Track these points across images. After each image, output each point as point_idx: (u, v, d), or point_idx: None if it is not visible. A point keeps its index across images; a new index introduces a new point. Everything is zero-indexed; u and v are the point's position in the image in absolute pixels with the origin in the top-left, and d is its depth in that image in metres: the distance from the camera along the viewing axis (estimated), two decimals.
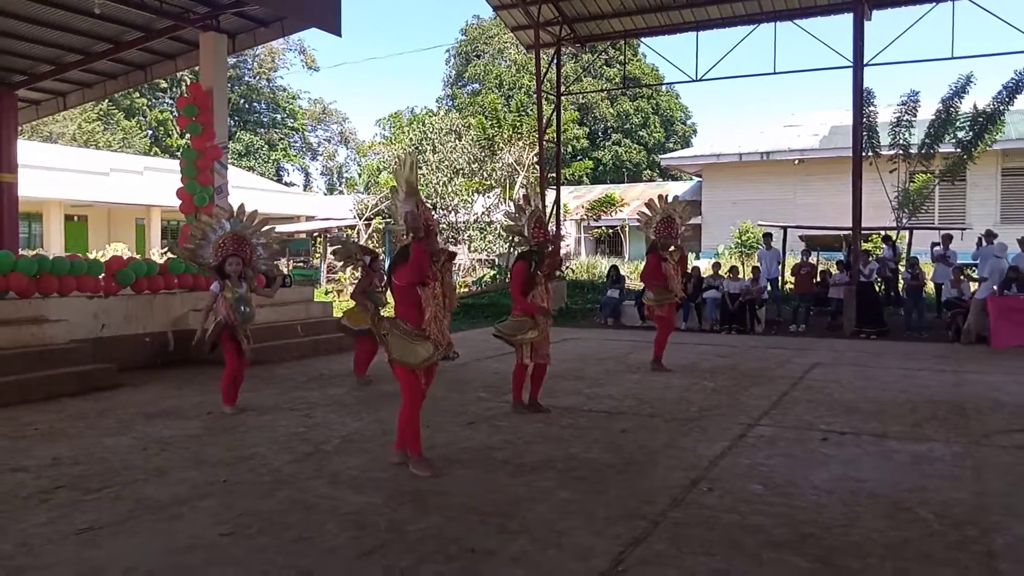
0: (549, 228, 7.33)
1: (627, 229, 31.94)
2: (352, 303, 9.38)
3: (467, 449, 5.91)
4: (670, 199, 10.00)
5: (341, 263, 10.63)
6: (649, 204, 9.90)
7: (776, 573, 3.61)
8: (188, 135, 12.62)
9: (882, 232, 18.69)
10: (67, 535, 4.14)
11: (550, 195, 19.50)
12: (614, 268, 17.57)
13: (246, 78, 53.73)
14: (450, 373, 9.60)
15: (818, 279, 15.56)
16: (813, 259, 16.69)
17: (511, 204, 24.74)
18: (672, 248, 9.69)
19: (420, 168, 28.71)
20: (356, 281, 9.46)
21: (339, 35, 12.06)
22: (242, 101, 53.94)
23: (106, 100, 41.45)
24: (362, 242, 28.16)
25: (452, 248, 9.48)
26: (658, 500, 4.63)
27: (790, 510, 4.43)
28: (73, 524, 4.29)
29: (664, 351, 9.91)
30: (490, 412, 7.23)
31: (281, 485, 4.98)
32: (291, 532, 4.13)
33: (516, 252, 7.48)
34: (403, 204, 5.13)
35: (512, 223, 7.39)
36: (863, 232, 16.31)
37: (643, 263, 10.54)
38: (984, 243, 13.97)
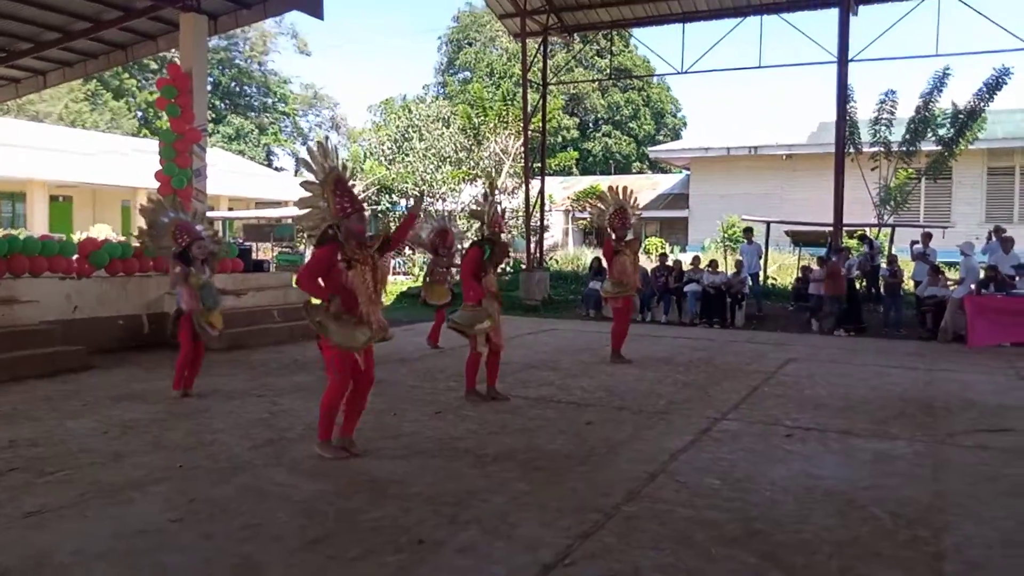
0: (502, 222, 7.40)
1: None
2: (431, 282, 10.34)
3: (431, 439, 5.89)
4: (627, 192, 9.96)
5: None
6: (601, 196, 10.00)
7: (723, 569, 3.61)
8: (167, 117, 12.49)
9: (864, 230, 18.73)
10: (14, 518, 4.10)
11: (535, 185, 19.44)
12: (597, 260, 17.52)
13: (237, 61, 53.34)
14: (421, 363, 9.61)
15: (799, 275, 15.58)
16: (802, 254, 16.68)
17: (497, 193, 24.73)
18: (629, 240, 9.72)
19: (407, 155, 28.62)
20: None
21: (321, 18, 12.06)
22: (233, 84, 53.59)
23: (94, 80, 41.12)
24: None
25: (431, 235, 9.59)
26: (614, 493, 4.62)
27: (744, 505, 4.43)
28: (22, 507, 4.25)
29: (623, 343, 9.91)
30: (459, 402, 7.21)
31: (237, 472, 4.95)
32: (240, 519, 4.10)
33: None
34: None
35: (478, 210, 7.49)
36: (846, 228, 16.36)
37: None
38: (993, 239, 13.97)
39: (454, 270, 10.21)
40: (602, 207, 9.82)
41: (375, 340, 5.22)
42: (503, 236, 7.42)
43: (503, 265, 8.95)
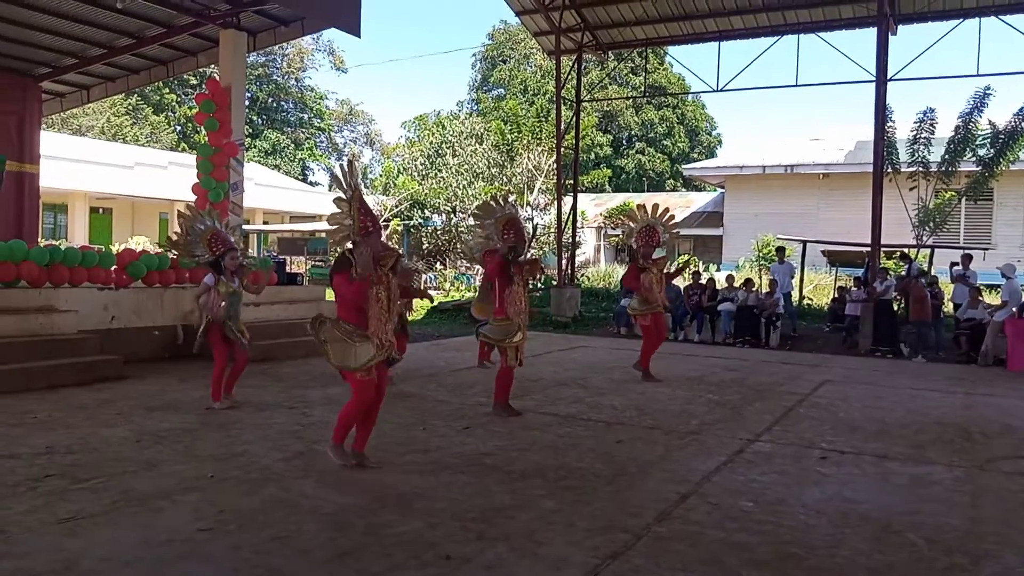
0: (526, 231, 7.38)
1: None
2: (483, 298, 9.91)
3: (459, 454, 5.87)
4: (659, 210, 9.91)
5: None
6: (630, 214, 9.92)
7: None
8: (205, 131, 12.71)
9: (902, 250, 18.45)
10: (48, 523, 4.15)
11: (568, 201, 19.43)
12: None
13: (275, 77, 54.18)
14: (450, 377, 9.61)
15: (835, 295, 15.37)
16: (838, 274, 16.44)
17: (528, 209, 24.77)
18: (657, 258, 9.67)
19: (440, 171, 28.81)
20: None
21: (358, 36, 12.13)
22: (270, 100, 54.40)
23: (135, 95, 42.01)
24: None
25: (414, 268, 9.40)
26: (644, 513, 4.56)
27: (777, 528, 4.35)
28: (56, 513, 4.30)
29: (649, 361, 9.80)
30: (487, 418, 7.18)
31: (267, 483, 4.96)
32: (269, 531, 4.11)
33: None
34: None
35: (476, 220, 7.59)
36: (885, 249, 16.11)
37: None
38: None
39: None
40: (632, 225, 9.80)
41: (379, 359, 5.23)
42: (531, 251, 7.43)
43: (534, 281, 8.86)
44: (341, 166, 5.33)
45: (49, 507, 4.40)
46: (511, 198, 8.49)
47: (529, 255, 7.58)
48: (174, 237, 7.62)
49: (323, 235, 30.05)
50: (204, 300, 7.20)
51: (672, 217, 9.91)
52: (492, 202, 7.54)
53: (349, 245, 5.20)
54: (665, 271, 9.77)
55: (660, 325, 10.02)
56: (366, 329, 5.13)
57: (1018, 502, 5.04)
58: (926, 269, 17.04)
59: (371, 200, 31.58)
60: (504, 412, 7.28)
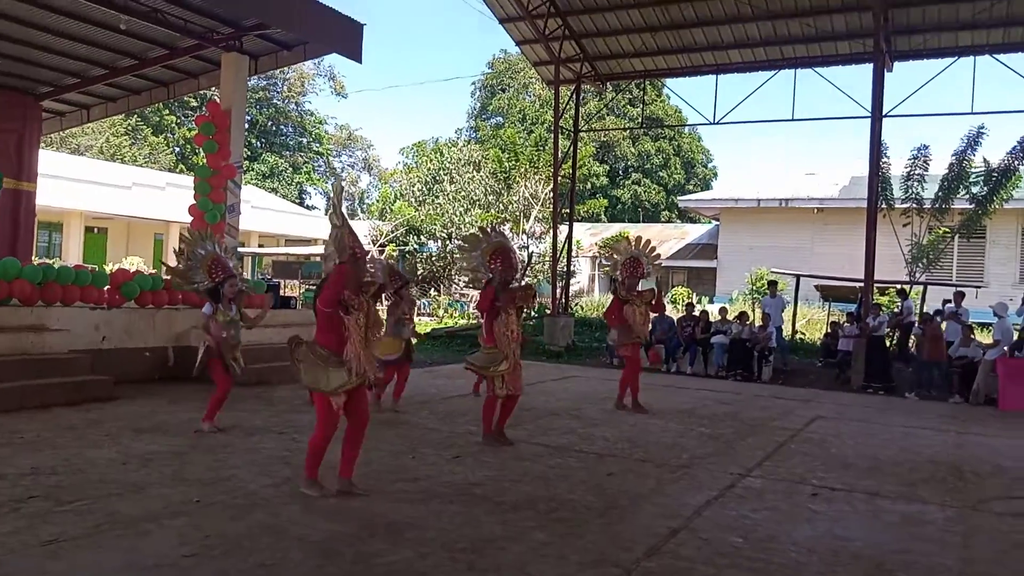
0: (516, 261, 7.42)
1: None
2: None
3: (449, 483, 5.83)
4: (642, 242, 10.02)
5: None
6: (615, 247, 10.04)
7: None
8: (204, 153, 12.74)
9: (896, 287, 18.53)
10: (31, 546, 4.10)
11: (563, 230, 19.49)
12: None
13: (275, 100, 54.47)
14: (441, 405, 9.56)
15: (828, 331, 15.40)
16: (832, 309, 16.47)
17: (523, 237, 24.83)
18: (641, 290, 9.71)
19: (437, 197, 28.88)
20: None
21: (360, 62, 12.19)
22: (270, 123, 54.65)
23: (135, 115, 42.14)
24: None
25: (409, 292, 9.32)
26: (635, 547, 4.52)
27: (767, 566, 4.31)
28: (39, 535, 4.25)
29: (632, 391, 9.81)
30: (478, 447, 7.14)
31: (254, 508, 4.92)
32: (255, 557, 4.06)
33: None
34: (332, 230, 5.28)
35: (461, 252, 7.66)
36: (878, 285, 16.18)
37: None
38: None
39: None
40: (616, 257, 9.91)
41: (351, 385, 5.23)
42: (522, 279, 7.44)
43: (528, 309, 8.81)
44: (330, 194, 5.40)
45: (32, 529, 4.35)
46: (506, 226, 8.53)
47: (523, 283, 7.57)
48: (173, 263, 7.59)
49: (317, 259, 30.07)
50: (206, 329, 7.16)
51: (654, 249, 10.04)
52: (479, 232, 7.61)
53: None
54: (652, 301, 9.79)
55: (638, 356, 10.08)
56: (341, 355, 5.16)
57: (1010, 543, 5.02)
58: (919, 306, 17.11)
59: (367, 225, 31.71)
60: (494, 442, 7.23)
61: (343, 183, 6.04)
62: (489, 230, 7.62)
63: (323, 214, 42.61)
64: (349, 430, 5.41)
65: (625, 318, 9.57)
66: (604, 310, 9.53)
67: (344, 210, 5.35)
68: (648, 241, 10.09)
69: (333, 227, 5.26)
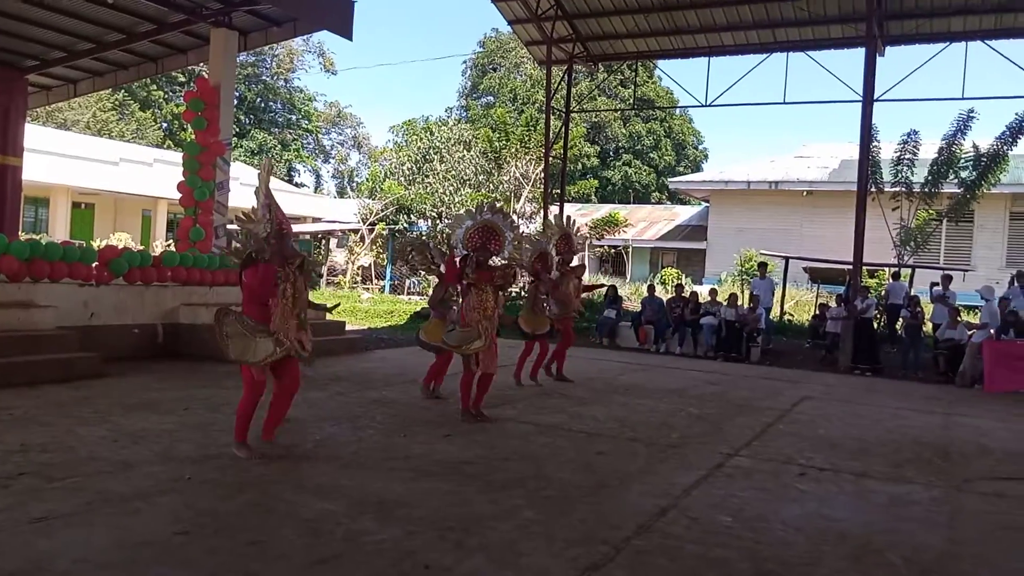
0: (500, 241, 7.59)
1: (630, 250, 31.87)
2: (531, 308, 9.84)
3: (440, 462, 5.84)
4: (571, 221, 10.51)
5: (415, 267, 11.31)
6: (547, 224, 10.39)
7: None
8: (192, 129, 12.63)
9: (888, 268, 18.63)
10: (21, 523, 4.08)
11: (554, 211, 19.45)
12: (612, 288, 17.51)
13: (264, 77, 53.98)
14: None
15: (816, 312, 15.48)
16: (820, 291, 16.54)
17: (514, 217, 24.76)
18: (574, 266, 10.29)
19: (427, 176, 28.75)
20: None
21: (350, 39, 12.11)
22: (258, 100, 54.16)
23: (122, 90, 41.69)
24: (365, 247, 28.16)
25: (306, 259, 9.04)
26: (624, 526, 4.55)
27: (755, 545, 4.35)
28: (29, 513, 4.23)
29: (560, 360, 10.36)
30: (468, 426, 7.16)
31: (245, 487, 4.92)
32: (246, 535, 4.07)
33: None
34: (259, 208, 5.50)
35: (451, 229, 7.91)
36: (867, 268, 16.24)
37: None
38: (1016, 284, 13.86)
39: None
40: (548, 234, 10.40)
41: (278, 356, 5.39)
42: (497, 258, 7.55)
43: (510, 289, 8.92)
44: (260, 172, 5.55)
45: (22, 506, 4.33)
46: (497, 205, 8.55)
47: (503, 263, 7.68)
48: (237, 245, 7.41)
49: (307, 237, 30.00)
50: None
51: (580, 229, 10.54)
52: (465, 213, 7.80)
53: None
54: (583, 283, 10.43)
55: (571, 329, 10.66)
56: (269, 325, 5.31)
57: (995, 523, 5.08)
58: (908, 288, 17.20)
59: (357, 203, 31.58)
60: (470, 419, 7.29)
61: (271, 164, 6.17)
62: (479, 209, 7.66)
63: (312, 192, 42.40)
64: (276, 395, 5.67)
65: (563, 292, 9.90)
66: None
67: (270, 187, 5.58)
68: (574, 220, 10.74)
69: (259, 203, 5.48)
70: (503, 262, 7.70)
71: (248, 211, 5.66)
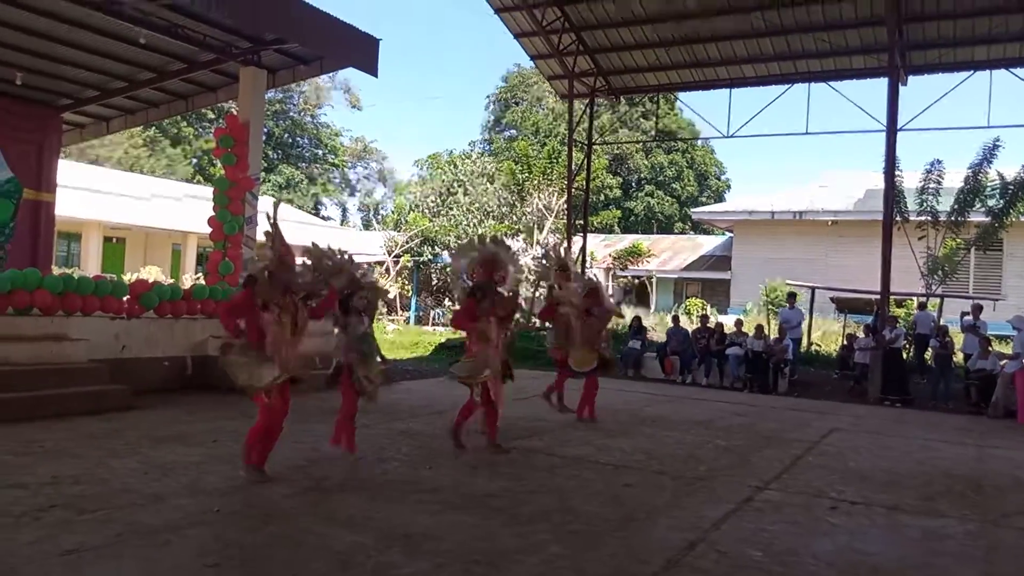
0: (505, 272, 7.62)
1: (654, 280, 31.79)
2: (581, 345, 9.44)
3: (466, 495, 5.83)
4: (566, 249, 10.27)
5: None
6: (472, 243, 9.94)
7: None
8: (222, 165, 12.85)
9: (915, 298, 18.43)
10: (51, 555, 4.13)
11: (577, 241, 19.51)
12: (637, 319, 17.44)
13: (291, 113, 54.83)
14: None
15: (844, 343, 15.31)
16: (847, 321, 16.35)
17: (539, 248, 24.83)
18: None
19: (451, 208, 28.96)
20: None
21: (375, 76, 12.28)
22: (286, 135, 54.98)
23: (153, 127, 42.50)
24: (391, 279, 28.33)
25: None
26: (652, 560, 4.51)
27: None
28: (60, 545, 4.28)
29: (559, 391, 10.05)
30: (495, 458, 7.15)
31: (273, 519, 4.94)
32: (275, 568, 4.09)
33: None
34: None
35: (454, 260, 8.03)
36: (894, 297, 16.08)
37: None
38: None
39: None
40: (546, 264, 10.01)
41: (281, 380, 5.67)
42: (506, 288, 7.56)
43: (515, 319, 8.31)
44: (267, 211, 6.10)
45: (53, 539, 4.38)
46: (518, 237, 8.63)
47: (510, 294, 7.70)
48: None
49: (370, 264, 30.14)
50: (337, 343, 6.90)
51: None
52: (468, 244, 7.92)
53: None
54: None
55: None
56: (266, 352, 5.61)
57: None
58: (936, 318, 16.99)
59: (382, 236, 31.83)
60: (453, 440, 7.41)
61: (279, 203, 6.49)
62: (482, 240, 7.74)
63: (339, 226, 42.85)
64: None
65: (563, 323, 9.41)
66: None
67: (278, 221, 6.02)
68: (566, 245, 10.20)
69: (267, 236, 5.94)
70: (508, 293, 7.69)
71: (259, 243, 5.96)
